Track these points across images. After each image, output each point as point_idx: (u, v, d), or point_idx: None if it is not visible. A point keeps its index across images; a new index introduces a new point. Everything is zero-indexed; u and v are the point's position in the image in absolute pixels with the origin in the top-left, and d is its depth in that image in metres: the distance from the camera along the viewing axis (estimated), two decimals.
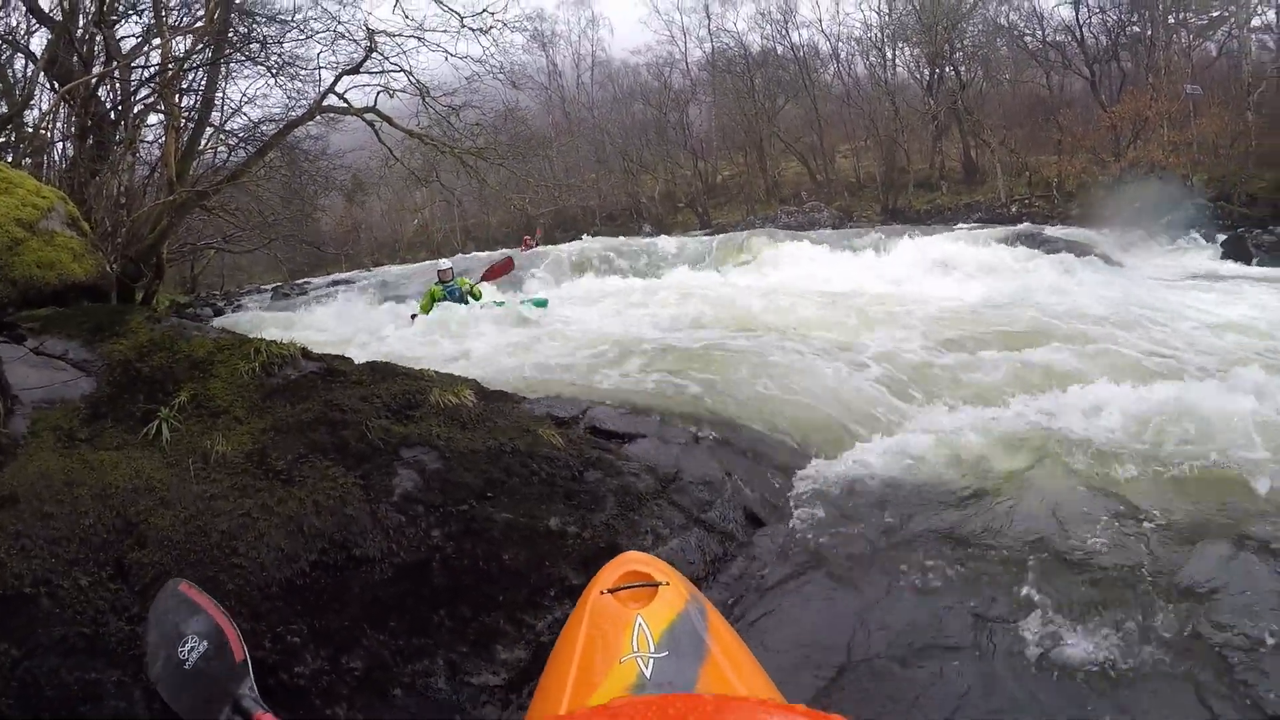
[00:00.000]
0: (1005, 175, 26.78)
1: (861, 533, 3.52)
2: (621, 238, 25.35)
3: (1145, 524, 3.34)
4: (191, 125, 11.61)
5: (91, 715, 2.34)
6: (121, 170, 9.10)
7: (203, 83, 11.62)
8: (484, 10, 13.03)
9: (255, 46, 11.96)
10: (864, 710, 2.48)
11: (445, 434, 3.53)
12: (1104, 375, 5.28)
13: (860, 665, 2.69)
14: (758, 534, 3.60)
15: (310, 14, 12.48)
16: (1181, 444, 4.00)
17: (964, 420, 4.76)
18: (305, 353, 4.16)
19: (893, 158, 31.40)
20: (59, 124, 9.56)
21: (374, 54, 12.33)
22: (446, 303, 10.29)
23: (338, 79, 12.28)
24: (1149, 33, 26.54)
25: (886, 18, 33.49)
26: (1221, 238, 16.44)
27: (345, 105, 12.44)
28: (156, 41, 10.66)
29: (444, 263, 11.93)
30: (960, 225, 22.11)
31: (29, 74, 11.24)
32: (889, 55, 33.69)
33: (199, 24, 10.73)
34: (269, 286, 25.89)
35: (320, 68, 13.15)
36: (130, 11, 11.90)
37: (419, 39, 12.75)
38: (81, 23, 10.13)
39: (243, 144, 13.54)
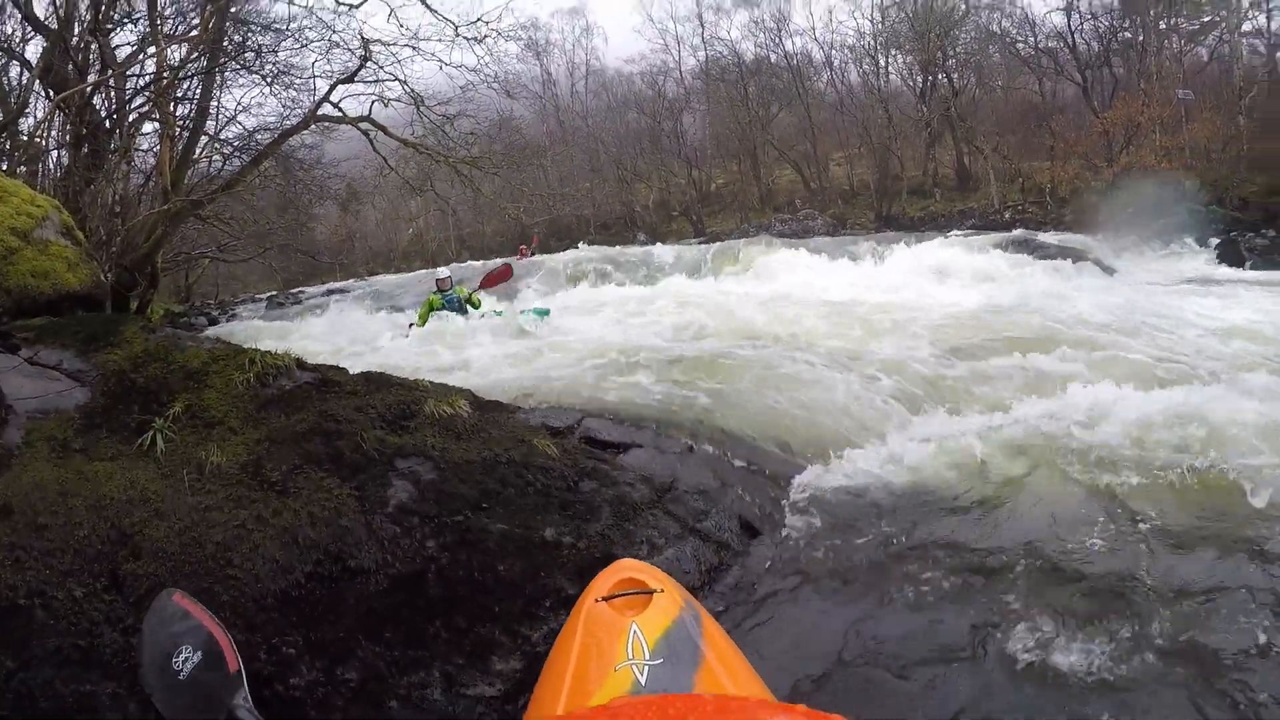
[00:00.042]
0: (998, 182, 26.91)
1: (858, 541, 3.52)
2: (618, 247, 25.34)
3: (1145, 532, 3.34)
4: (186, 134, 11.65)
5: None
6: (116, 179, 9.13)
7: (198, 91, 11.67)
8: (479, 19, 13.08)
9: (250, 55, 12.00)
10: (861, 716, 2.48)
11: (440, 444, 3.53)
12: (1111, 381, 5.22)
13: (856, 673, 2.69)
14: (754, 543, 3.60)
15: (305, 23, 12.49)
16: (1186, 451, 3.98)
17: (963, 428, 4.76)
18: (300, 363, 4.16)
19: (886, 165, 31.50)
20: (54, 132, 9.58)
21: (369, 63, 12.37)
22: (444, 313, 10.19)
23: (333, 88, 12.32)
24: (1140, 38, 26.72)
25: (879, 26, 33.75)
26: (1214, 242, 16.51)
27: (340, 114, 12.47)
28: (152, 50, 10.67)
29: (442, 271, 11.83)
30: (954, 232, 22.10)
31: (24, 82, 11.26)
32: (882, 63, 33.93)
33: (194, 32, 10.80)
34: (264, 296, 25.87)
35: (315, 76, 13.15)
36: (125, 20, 11.93)
37: (414, 48, 12.80)
38: (77, 31, 10.16)
39: (237, 153, 13.58)
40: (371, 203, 30.64)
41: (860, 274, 15.01)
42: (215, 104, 12.82)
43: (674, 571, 2.97)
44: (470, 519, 3.13)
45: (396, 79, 12.75)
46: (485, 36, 13.08)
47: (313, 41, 12.47)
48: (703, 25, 38.36)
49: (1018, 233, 19.86)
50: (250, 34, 12.18)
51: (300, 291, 25.61)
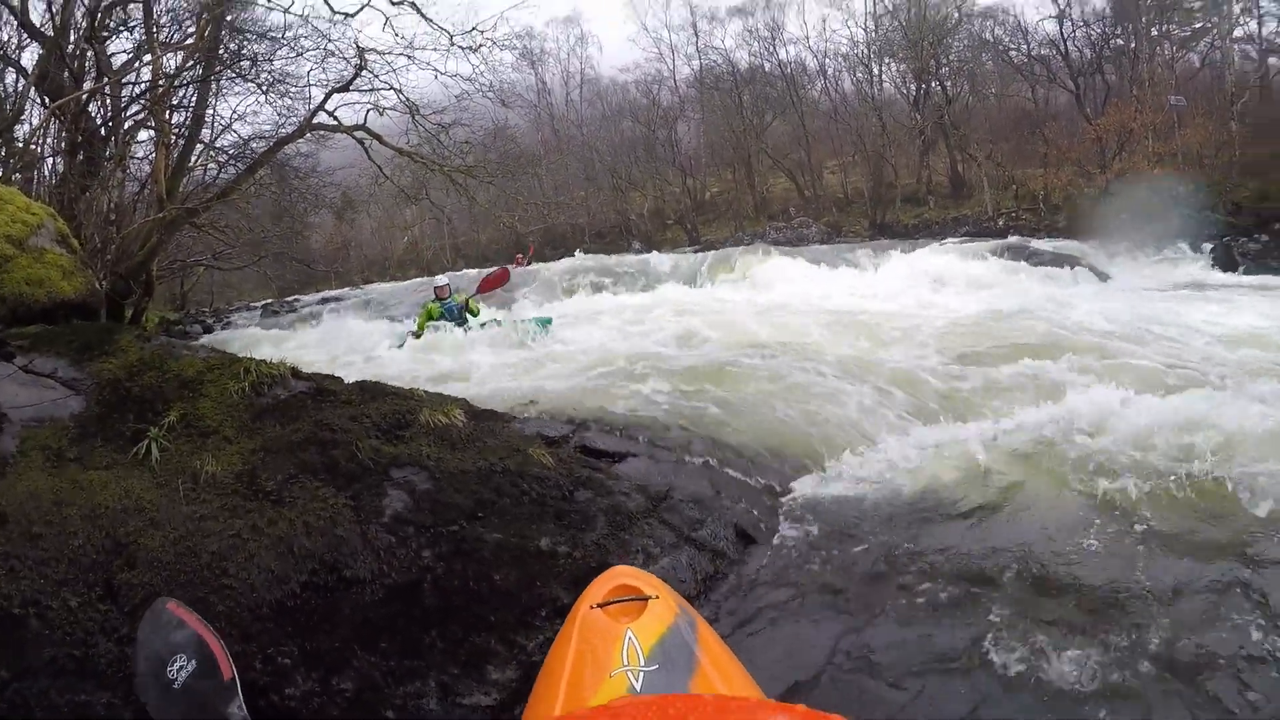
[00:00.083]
0: (992, 189, 26.94)
1: (855, 549, 3.53)
2: (614, 256, 25.34)
3: (1145, 540, 3.35)
4: (182, 142, 11.64)
5: None
6: (111, 186, 9.13)
7: (193, 99, 11.67)
8: (474, 29, 13.05)
9: (246, 64, 11.98)
10: None
11: (435, 454, 3.54)
12: (1120, 388, 5.13)
13: (852, 680, 2.69)
14: (749, 552, 3.60)
15: (301, 32, 12.57)
16: (1192, 459, 3.95)
17: (965, 435, 4.75)
18: (295, 372, 4.16)
19: (880, 173, 31.55)
20: (49, 139, 9.60)
21: (364, 72, 12.35)
22: (443, 323, 10.15)
23: (328, 96, 12.31)
24: (1132, 45, 26.82)
25: (873, 34, 33.75)
26: (1208, 247, 16.55)
27: (335, 123, 12.46)
28: (147, 58, 10.69)
29: (440, 279, 11.78)
30: (948, 239, 22.18)
31: (19, 89, 11.27)
32: (876, 71, 33.90)
33: (190, 40, 10.79)
34: (259, 304, 25.83)
35: (310, 85, 13.12)
36: (121, 28, 11.95)
37: (409, 57, 12.77)
38: (73, 38, 10.17)
39: (233, 161, 13.59)
40: (366, 211, 30.60)
41: (858, 282, 15.06)
42: (211, 112, 12.83)
43: (669, 580, 2.96)
44: (465, 528, 3.13)
45: (392, 88, 12.74)
46: (480, 45, 13.08)
47: (308, 50, 12.45)
48: (697, 34, 38.40)
49: (1012, 239, 19.89)
50: (246, 42, 12.19)
51: (295, 300, 25.61)
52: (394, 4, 12.63)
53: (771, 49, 36.62)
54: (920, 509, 3.88)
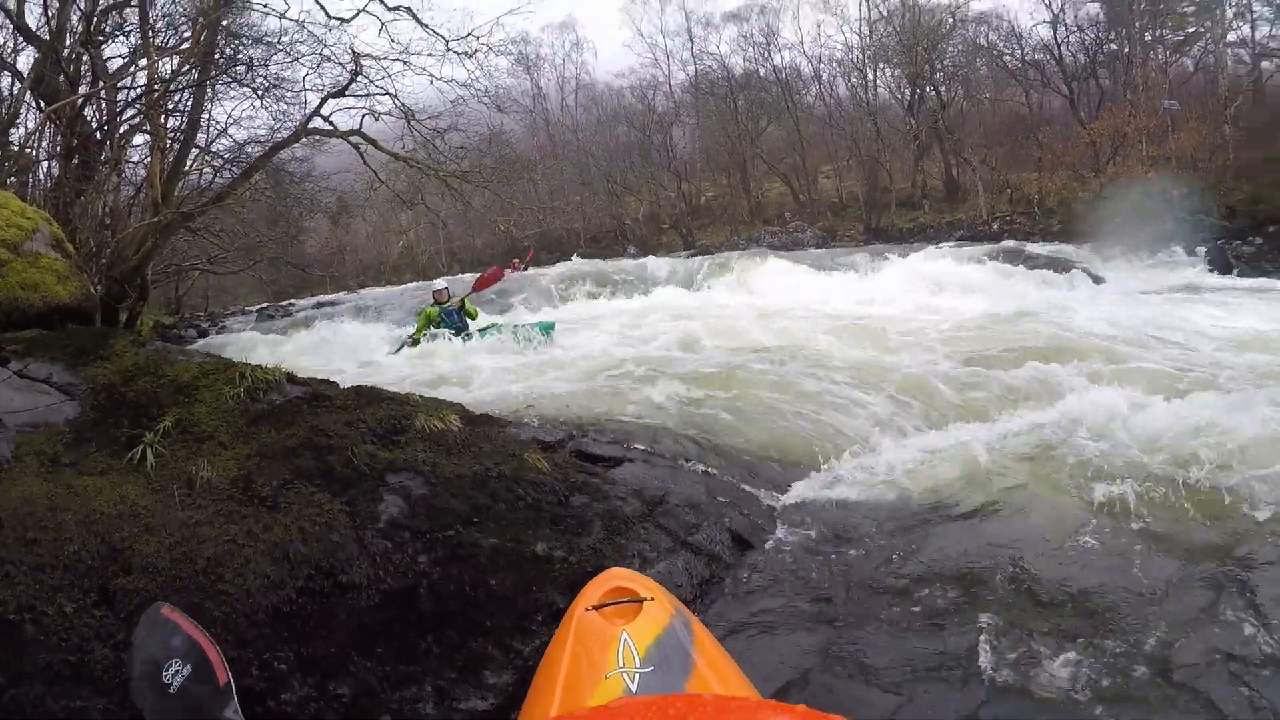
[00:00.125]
0: (987, 193, 27.01)
1: (852, 553, 3.53)
2: (610, 260, 25.36)
3: (1145, 543, 3.35)
4: (177, 146, 11.61)
5: None
6: (106, 191, 9.10)
7: (188, 104, 11.63)
8: (469, 34, 13.13)
9: (241, 68, 11.99)
10: None
11: (431, 459, 3.53)
12: (1126, 392, 5.13)
13: (848, 684, 2.69)
14: (745, 556, 3.60)
15: (296, 36, 12.47)
16: (1197, 464, 3.94)
17: (964, 439, 4.75)
18: (290, 377, 4.16)
19: (875, 177, 31.63)
20: (44, 143, 9.55)
21: (360, 77, 12.38)
22: (441, 331, 10.09)
23: (323, 101, 12.33)
24: (1126, 50, 26.93)
25: (867, 39, 33.86)
26: (1202, 250, 16.61)
27: (331, 128, 12.47)
28: (143, 62, 10.66)
29: (439, 283, 11.61)
30: (944, 243, 22.24)
31: (15, 92, 11.22)
32: (870, 76, 34.02)
33: (185, 45, 10.79)
34: (254, 308, 25.71)
35: (306, 90, 13.16)
36: (117, 32, 11.95)
37: (404, 62, 12.82)
38: (68, 42, 10.15)
39: (228, 165, 13.58)
40: (362, 216, 30.64)
41: (856, 286, 15.09)
42: (206, 116, 12.79)
43: (665, 584, 2.96)
44: (461, 533, 3.13)
45: (387, 93, 12.77)
46: (476, 51, 13.13)
47: (304, 55, 12.48)
48: (692, 40, 38.43)
49: (1006, 243, 19.98)
50: (242, 47, 12.18)
51: (290, 304, 25.49)
52: (390, 9, 12.67)
53: (766, 54, 36.73)
54: (919, 513, 3.89)
